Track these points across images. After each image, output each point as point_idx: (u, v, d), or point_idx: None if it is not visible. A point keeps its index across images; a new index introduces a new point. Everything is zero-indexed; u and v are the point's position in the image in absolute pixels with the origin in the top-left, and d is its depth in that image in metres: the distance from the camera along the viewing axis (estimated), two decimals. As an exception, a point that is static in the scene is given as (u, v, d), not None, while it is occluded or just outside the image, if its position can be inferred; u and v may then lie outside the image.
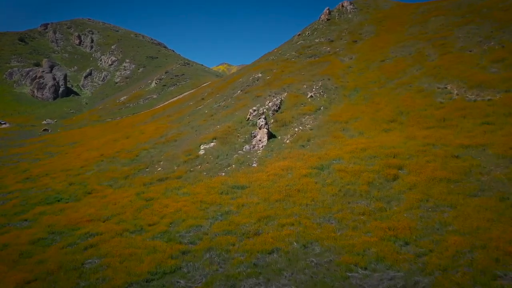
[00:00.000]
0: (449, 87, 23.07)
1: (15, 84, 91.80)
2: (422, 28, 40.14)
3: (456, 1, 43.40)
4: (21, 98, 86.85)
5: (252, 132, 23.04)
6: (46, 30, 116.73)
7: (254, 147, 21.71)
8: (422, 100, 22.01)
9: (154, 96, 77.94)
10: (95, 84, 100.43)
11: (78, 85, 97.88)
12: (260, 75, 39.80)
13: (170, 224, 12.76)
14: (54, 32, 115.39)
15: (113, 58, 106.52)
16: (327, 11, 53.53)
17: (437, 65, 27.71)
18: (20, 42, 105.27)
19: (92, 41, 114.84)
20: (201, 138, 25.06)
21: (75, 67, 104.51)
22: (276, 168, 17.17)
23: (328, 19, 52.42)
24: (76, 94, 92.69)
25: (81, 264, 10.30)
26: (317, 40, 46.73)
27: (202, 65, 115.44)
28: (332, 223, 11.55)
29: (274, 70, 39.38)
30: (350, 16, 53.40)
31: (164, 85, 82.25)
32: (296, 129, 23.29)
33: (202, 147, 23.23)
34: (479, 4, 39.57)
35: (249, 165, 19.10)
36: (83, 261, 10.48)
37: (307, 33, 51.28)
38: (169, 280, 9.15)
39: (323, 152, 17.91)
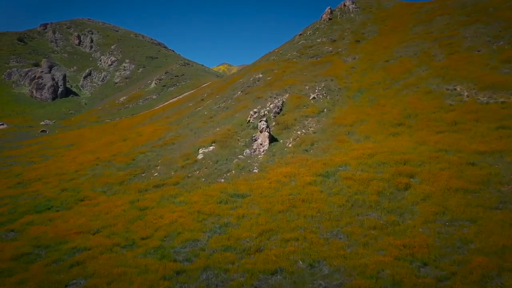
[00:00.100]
0: (458, 89, 22.09)
1: (13, 85, 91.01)
2: (427, 27, 39.15)
3: (460, 0, 42.39)
4: (20, 99, 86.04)
5: (253, 135, 22.10)
6: (46, 30, 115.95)
7: (255, 151, 20.76)
8: (431, 102, 21.03)
9: (154, 97, 77.06)
10: (95, 84, 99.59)
11: (77, 85, 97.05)
12: (260, 75, 38.86)
13: (165, 237, 11.82)
14: (54, 32, 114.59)
15: (113, 58, 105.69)
16: (329, 11, 52.57)
17: (444, 66, 26.75)
18: (19, 42, 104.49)
19: (91, 41, 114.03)
20: (200, 141, 24.13)
21: (75, 67, 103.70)
22: (278, 174, 16.22)
23: (330, 19, 51.45)
24: (75, 94, 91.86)
25: (65, 286, 9.36)
26: (319, 40, 45.75)
27: (202, 65, 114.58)
28: (340, 238, 10.59)
29: (275, 71, 38.43)
30: (352, 15, 52.41)
31: (164, 86, 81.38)
32: (299, 132, 22.33)
33: (200, 151, 22.29)
34: (485, 3, 38.56)
35: (249, 170, 18.15)
36: (67, 282, 9.54)
37: (309, 32, 50.31)
38: (161, 305, 8.22)
39: (327, 157, 16.95)
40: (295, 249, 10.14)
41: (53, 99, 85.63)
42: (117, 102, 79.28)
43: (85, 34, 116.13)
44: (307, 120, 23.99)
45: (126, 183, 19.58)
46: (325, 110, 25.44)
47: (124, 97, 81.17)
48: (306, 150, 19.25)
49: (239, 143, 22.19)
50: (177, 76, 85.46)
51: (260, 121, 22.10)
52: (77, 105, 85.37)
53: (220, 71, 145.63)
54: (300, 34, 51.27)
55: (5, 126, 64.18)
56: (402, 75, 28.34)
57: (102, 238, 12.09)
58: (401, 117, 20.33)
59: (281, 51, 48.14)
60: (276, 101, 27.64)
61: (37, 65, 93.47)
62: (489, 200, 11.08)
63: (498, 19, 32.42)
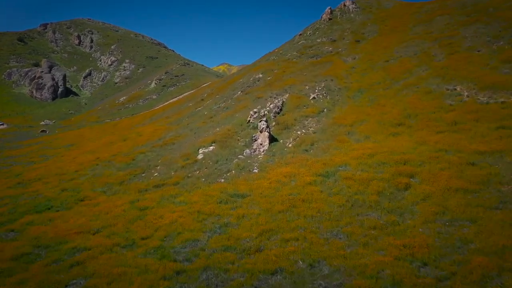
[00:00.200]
0: (458, 89, 22.09)
1: (13, 85, 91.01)
2: (427, 27, 39.16)
3: (460, 0, 42.39)
4: (20, 99, 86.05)
5: (253, 135, 22.09)
6: (46, 30, 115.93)
7: (255, 151, 20.76)
8: (431, 102, 21.03)
9: (154, 97, 77.07)
10: (95, 84, 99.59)
11: (77, 85, 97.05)
12: (260, 75, 38.87)
13: (165, 237, 11.82)
14: (54, 32, 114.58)
15: (113, 58, 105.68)
16: (329, 11, 52.56)
17: (444, 66, 26.75)
18: (19, 42, 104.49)
19: (91, 41, 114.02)
20: (200, 141, 24.13)
21: (75, 67, 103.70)
22: (278, 174, 16.22)
23: (330, 19, 51.45)
24: (75, 94, 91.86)
25: (65, 286, 9.36)
26: (319, 40, 45.76)
27: (202, 65, 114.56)
28: (340, 238, 10.59)
29: (275, 71, 38.44)
30: (352, 15, 52.42)
31: (163, 86, 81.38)
32: (299, 132, 22.33)
33: (200, 151, 22.29)
34: (485, 3, 38.56)
35: (249, 170, 18.15)
36: (68, 282, 9.54)
37: (309, 32, 50.31)
38: (161, 305, 8.21)
39: (328, 157, 16.95)
40: (295, 249, 10.14)
41: (53, 99, 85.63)
42: (117, 102, 79.27)
43: (85, 34, 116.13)
44: (307, 120, 23.99)
45: (126, 183, 19.57)
46: (325, 110, 25.43)
47: (124, 97, 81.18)
48: (306, 150, 19.25)
49: (239, 143, 22.19)
50: (177, 76, 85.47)
51: (260, 121, 22.09)
52: (77, 105, 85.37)
53: (220, 71, 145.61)
54: (300, 34, 51.27)
55: (5, 126, 64.22)
56: (402, 75, 28.34)
57: (102, 238, 12.09)
58: (401, 117, 20.33)
59: (281, 51, 48.15)
60: (276, 101, 27.65)
61: (37, 65, 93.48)
62: (489, 200, 11.08)
63: (498, 19, 32.42)
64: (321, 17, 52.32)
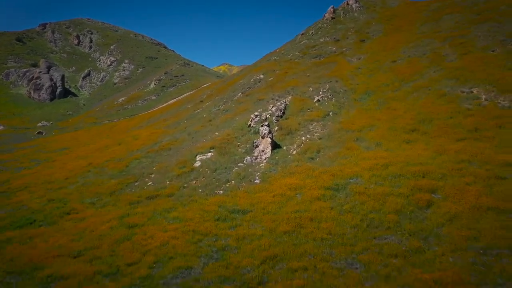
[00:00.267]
0: (475, 91, 20.56)
1: (11, 85, 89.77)
2: (435, 26, 37.63)
3: (469, -2, 40.84)
4: (18, 99, 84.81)
5: (254, 141, 20.60)
6: (45, 30, 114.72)
7: (256, 159, 19.27)
8: (446, 106, 19.51)
9: (153, 98, 75.71)
10: (94, 84, 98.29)
11: (76, 86, 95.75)
12: (262, 76, 37.41)
13: (154, 264, 10.34)
14: (53, 32, 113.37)
15: (112, 59, 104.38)
16: (332, 10, 51.05)
17: (458, 67, 25.22)
18: (18, 42, 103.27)
19: (91, 41, 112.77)
20: (198, 146, 22.67)
21: (74, 68, 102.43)
22: (282, 186, 14.74)
23: (333, 18, 49.94)
24: (74, 95, 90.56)
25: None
26: (322, 40, 44.25)
27: (202, 65, 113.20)
28: (356, 268, 9.10)
29: (277, 71, 36.97)
30: (356, 14, 50.90)
31: (163, 86, 80.00)
32: (303, 138, 20.84)
33: (198, 157, 20.81)
34: (496, 1, 37.01)
35: (250, 181, 16.67)
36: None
37: (311, 32, 48.80)
38: None
39: (336, 167, 15.45)
40: (304, 282, 8.66)
41: (51, 99, 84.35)
42: (115, 103, 77.92)
43: (84, 34, 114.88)
44: (311, 124, 22.50)
45: (117, 194, 18.12)
46: (330, 113, 23.94)
47: (123, 98, 79.82)
48: (312, 158, 17.76)
49: (239, 150, 20.72)
50: (177, 76, 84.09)
51: (262, 126, 20.59)
52: (76, 106, 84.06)
53: (221, 71, 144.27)
54: (302, 34, 49.75)
55: (1, 127, 62.97)
56: (411, 77, 26.82)
57: (83, 263, 10.63)
58: (414, 122, 18.81)
59: (282, 51, 46.66)
60: (279, 103, 26.16)
61: (35, 65, 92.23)
62: (528, 222, 9.59)
63: (511, 18, 30.89)
64: (324, 16, 50.82)
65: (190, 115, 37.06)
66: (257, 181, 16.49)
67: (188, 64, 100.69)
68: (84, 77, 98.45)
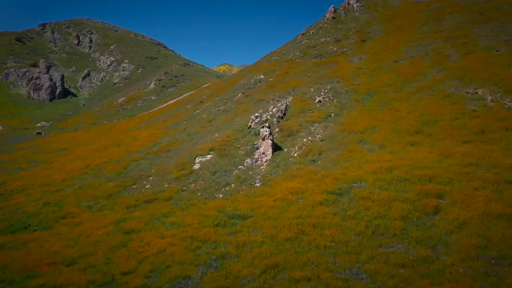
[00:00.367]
0: (480, 92, 20.14)
1: (11, 85, 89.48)
2: (436, 26, 37.24)
3: (470, -2, 40.42)
4: (17, 100, 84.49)
5: (255, 143, 20.19)
6: (44, 30, 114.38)
7: (256, 161, 18.86)
8: (451, 107, 19.09)
9: (153, 98, 75.35)
10: (93, 85, 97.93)
11: (75, 86, 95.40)
12: (262, 76, 37.00)
13: (150, 272, 9.94)
14: (52, 32, 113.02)
15: (112, 59, 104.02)
16: (333, 9, 50.63)
17: (461, 67, 24.80)
18: (17, 42, 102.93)
19: (91, 41, 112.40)
20: (197, 148, 22.27)
21: (73, 68, 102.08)
22: (283, 190, 14.33)
23: (333, 18, 49.53)
24: (74, 95, 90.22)
25: None
26: (322, 40, 43.84)
27: (202, 65, 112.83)
28: (362, 279, 8.69)
29: (277, 71, 36.56)
30: (357, 14, 50.51)
31: (163, 86, 79.63)
32: (305, 139, 20.43)
33: (197, 159, 20.41)
34: (498, 0, 36.61)
35: (251, 184, 16.26)
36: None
37: (312, 32, 48.39)
38: None
39: (339, 171, 15.04)
40: (307, 294, 8.25)
41: (51, 100, 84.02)
42: (115, 103, 77.56)
43: (84, 34, 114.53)
44: (313, 126, 22.08)
45: (115, 197, 17.73)
46: (332, 114, 23.53)
47: (123, 98, 79.47)
48: (314, 161, 17.35)
49: (239, 152, 20.31)
50: (177, 76, 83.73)
51: (262, 127, 20.18)
52: (75, 106, 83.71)
53: (221, 71, 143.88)
54: (303, 34, 49.34)
55: (0, 128, 62.68)
56: (414, 77, 26.40)
57: (76, 272, 10.23)
58: (418, 123, 18.39)
59: (283, 51, 46.25)
60: (279, 104, 25.75)
61: (35, 65, 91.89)
62: (541, 230, 9.18)
63: (515, 17, 30.49)
64: (325, 16, 50.41)
65: (189, 116, 36.67)
66: (258, 185, 16.09)
67: (188, 64, 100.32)
68: (83, 77, 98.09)
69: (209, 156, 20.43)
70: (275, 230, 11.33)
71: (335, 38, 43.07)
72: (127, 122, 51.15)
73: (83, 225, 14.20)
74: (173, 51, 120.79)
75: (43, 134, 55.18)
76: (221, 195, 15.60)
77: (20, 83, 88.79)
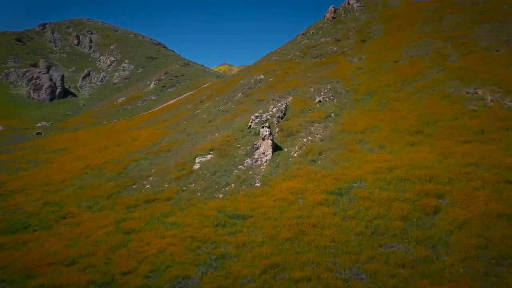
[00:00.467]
0: (480, 92, 20.15)
1: (11, 85, 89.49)
2: (436, 26, 37.25)
3: (470, -2, 40.42)
4: (17, 100, 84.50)
5: (255, 143, 20.20)
6: (44, 30, 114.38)
7: (256, 161, 18.87)
8: (451, 107, 19.09)
9: (153, 98, 75.35)
10: (93, 85, 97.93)
11: (75, 86, 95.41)
12: (262, 76, 37.01)
13: (150, 272, 9.95)
14: (52, 32, 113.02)
15: (112, 59, 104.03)
16: (333, 9, 50.64)
17: (461, 67, 24.80)
18: (17, 42, 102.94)
19: (91, 41, 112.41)
20: (197, 148, 22.27)
21: (73, 68, 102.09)
22: (283, 190, 14.33)
23: (333, 18, 49.54)
24: (74, 95, 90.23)
25: None
26: (322, 40, 43.85)
27: (202, 65, 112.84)
28: (362, 279, 8.69)
29: (277, 71, 36.57)
30: (357, 14, 50.52)
31: (163, 86, 79.63)
32: (305, 139, 20.43)
33: (197, 159, 20.41)
34: (498, 0, 36.62)
35: (251, 184, 16.27)
36: None
37: (312, 32, 48.41)
38: None
39: (339, 171, 15.04)
40: (307, 294, 8.25)
41: (51, 100, 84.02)
42: (115, 103, 77.57)
43: (84, 34, 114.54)
44: (313, 126, 22.09)
45: (115, 197, 17.73)
46: (332, 114, 23.53)
47: (123, 98, 79.48)
48: (314, 161, 17.35)
49: (239, 152, 20.32)
50: (177, 76, 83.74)
51: (262, 127, 20.19)
52: (75, 106, 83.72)
53: (221, 71, 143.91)
54: (303, 34, 49.35)
55: (0, 128, 62.70)
56: (414, 77, 26.41)
57: (76, 272, 10.23)
58: (418, 123, 18.40)
59: (283, 51, 46.26)
60: (279, 104, 25.75)
61: (35, 65, 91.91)
62: (541, 230, 9.18)
63: (515, 17, 30.49)
64: (325, 16, 50.42)
65: (189, 116, 36.68)
66: (258, 185, 16.09)
67: (188, 64, 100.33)
68: (83, 77, 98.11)
69: (209, 156, 20.44)
70: (275, 230, 11.34)
71: (335, 38, 43.08)
72: (127, 122, 51.15)
73: (83, 225, 14.21)
74: (173, 51, 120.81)
75: (43, 134, 55.19)
76: (221, 195, 15.60)
77: (20, 83, 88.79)
